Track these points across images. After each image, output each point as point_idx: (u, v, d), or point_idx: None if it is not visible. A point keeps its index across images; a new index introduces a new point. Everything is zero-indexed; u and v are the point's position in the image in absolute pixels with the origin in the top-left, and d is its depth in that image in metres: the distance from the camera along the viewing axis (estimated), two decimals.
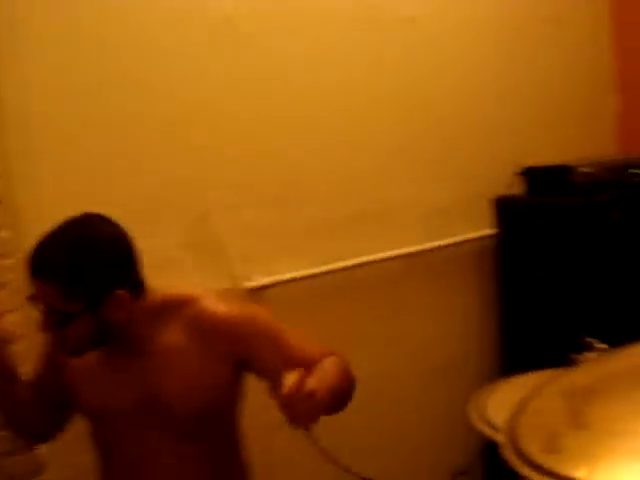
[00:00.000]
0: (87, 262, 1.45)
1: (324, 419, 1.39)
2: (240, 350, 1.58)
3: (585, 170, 2.44)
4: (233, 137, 2.27)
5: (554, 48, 2.90)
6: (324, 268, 2.43)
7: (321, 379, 1.39)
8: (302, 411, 1.30)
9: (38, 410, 1.70)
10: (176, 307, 1.59)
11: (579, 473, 0.84)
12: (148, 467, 1.58)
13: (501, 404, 1.64)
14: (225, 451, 1.67)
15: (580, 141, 2.91)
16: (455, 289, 2.75)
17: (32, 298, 1.47)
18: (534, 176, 2.61)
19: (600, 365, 1.34)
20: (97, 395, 1.60)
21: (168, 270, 2.01)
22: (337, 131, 2.46)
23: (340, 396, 1.51)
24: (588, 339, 1.51)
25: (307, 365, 1.50)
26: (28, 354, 1.83)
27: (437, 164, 2.66)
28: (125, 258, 1.52)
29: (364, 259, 2.50)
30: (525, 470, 0.92)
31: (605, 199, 2.41)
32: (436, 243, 2.64)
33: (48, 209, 1.98)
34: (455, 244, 2.67)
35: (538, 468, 0.90)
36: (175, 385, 1.56)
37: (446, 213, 2.67)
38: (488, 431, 1.48)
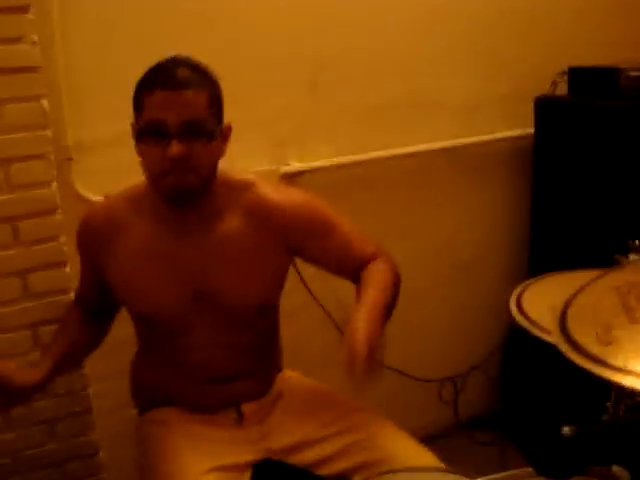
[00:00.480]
0: (216, 80, 1.48)
1: None
2: (295, 239, 1.58)
3: (633, 74, 2.36)
4: (266, 15, 2.20)
5: None
6: (358, 157, 2.41)
7: (376, 320, 1.40)
8: (365, 376, 1.33)
9: (92, 328, 1.73)
10: (238, 190, 1.57)
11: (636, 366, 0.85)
12: (194, 355, 1.59)
13: (542, 298, 1.66)
14: (267, 336, 1.71)
15: (629, 41, 2.81)
16: (489, 186, 2.73)
17: (157, 126, 1.40)
18: (578, 77, 2.53)
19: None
20: (147, 290, 1.56)
21: None
22: (378, 16, 2.37)
23: (390, 312, 1.54)
24: (633, 242, 1.50)
25: (360, 261, 1.62)
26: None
27: (480, 58, 2.58)
28: None
29: (399, 150, 2.48)
30: (582, 361, 0.93)
31: None
32: (473, 138, 2.61)
33: (86, 81, 1.97)
34: (493, 141, 2.64)
35: (595, 360, 0.91)
36: (231, 276, 1.55)
37: (486, 109, 2.62)
38: (526, 324, 1.50)
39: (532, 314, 1.58)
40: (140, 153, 1.47)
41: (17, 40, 1.74)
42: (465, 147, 2.60)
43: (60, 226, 1.89)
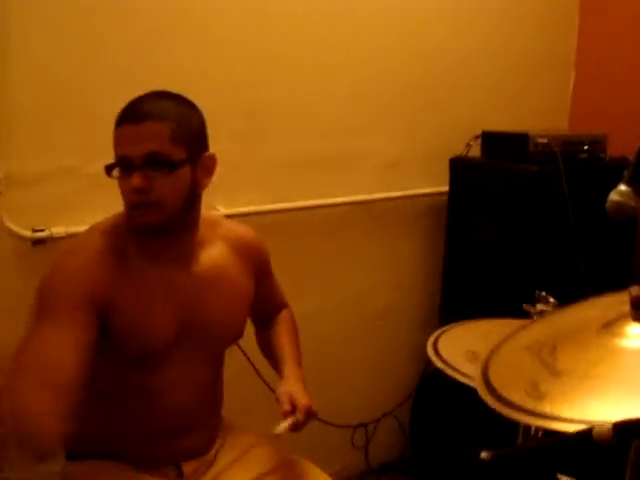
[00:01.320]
0: (193, 114, 1.50)
1: None
2: (258, 272, 1.68)
3: (541, 140, 2.56)
4: (202, 62, 2.25)
5: (520, 20, 2.99)
6: (282, 205, 2.49)
7: (300, 376, 1.64)
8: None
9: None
10: (211, 226, 1.61)
11: (573, 414, 0.93)
12: (162, 397, 1.54)
13: (457, 343, 1.77)
14: (220, 376, 1.72)
15: (536, 113, 3.03)
16: (405, 239, 2.86)
17: (122, 159, 1.40)
18: (491, 141, 2.72)
19: (553, 319, 1.45)
20: (150, 323, 1.49)
21: None
22: (311, 73, 2.49)
23: None
24: (540, 292, 1.63)
25: (278, 307, 1.82)
26: None
27: (399, 119, 2.73)
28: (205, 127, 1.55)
29: (319, 202, 2.58)
30: (518, 416, 1.00)
31: (555, 169, 2.53)
32: (390, 194, 2.74)
33: (18, 112, 1.98)
34: (408, 197, 2.78)
35: (532, 413, 0.98)
36: (221, 305, 1.58)
37: (403, 166, 2.76)
38: (442, 366, 1.60)
39: (447, 357, 1.67)
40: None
41: None
42: (383, 201, 2.73)
43: None
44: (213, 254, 1.58)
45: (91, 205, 2.05)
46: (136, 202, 1.42)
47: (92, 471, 1.56)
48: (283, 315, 1.83)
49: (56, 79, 2.01)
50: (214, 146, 2.28)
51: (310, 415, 1.54)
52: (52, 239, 2.02)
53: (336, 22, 2.51)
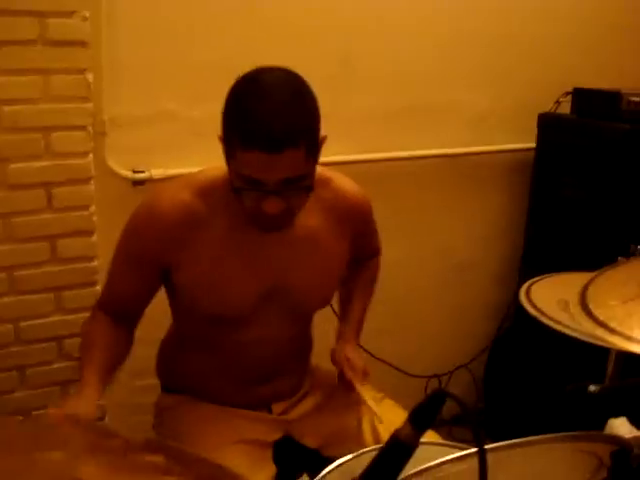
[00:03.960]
0: (315, 113, 1.37)
1: None
2: (357, 231, 1.63)
3: (634, 99, 2.51)
4: (297, 15, 2.28)
5: None
6: (370, 156, 2.51)
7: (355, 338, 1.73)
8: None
9: (125, 336, 1.56)
10: (316, 187, 1.46)
11: None
12: (246, 352, 1.57)
13: (549, 292, 1.79)
14: (309, 330, 1.75)
15: (631, 70, 2.96)
16: (488, 194, 2.86)
17: (253, 182, 1.31)
18: (582, 98, 2.67)
19: None
20: (225, 288, 1.49)
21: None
22: (403, 27, 2.48)
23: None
24: (637, 247, 1.63)
25: (370, 255, 1.82)
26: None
27: (490, 74, 2.71)
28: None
29: (409, 153, 2.60)
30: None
31: None
32: (476, 148, 2.73)
33: (125, 59, 2.05)
34: (495, 152, 2.76)
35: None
36: (311, 275, 1.55)
37: (491, 121, 2.74)
38: (535, 313, 1.63)
39: (540, 305, 1.69)
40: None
41: (69, 14, 1.83)
42: (471, 155, 2.73)
43: (92, 196, 1.98)
44: (308, 220, 1.51)
45: (189, 149, 2.13)
46: (269, 217, 1.37)
47: (186, 405, 1.64)
48: (369, 265, 1.83)
49: (159, 26, 2.07)
50: None
51: (365, 376, 1.63)
52: (151, 180, 2.10)
53: None
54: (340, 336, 1.74)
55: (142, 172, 2.10)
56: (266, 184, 1.31)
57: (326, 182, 1.55)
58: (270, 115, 1.28)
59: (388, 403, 1.70)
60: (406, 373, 2.80)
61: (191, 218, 1.44)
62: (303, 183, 1.34)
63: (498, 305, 2.95)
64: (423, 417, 0.83)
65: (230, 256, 1.47)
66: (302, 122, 1.31)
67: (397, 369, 2.76)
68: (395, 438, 0.84)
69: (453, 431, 2.54)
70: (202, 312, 1.52)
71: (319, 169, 1.48)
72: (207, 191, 1.46)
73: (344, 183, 1.59)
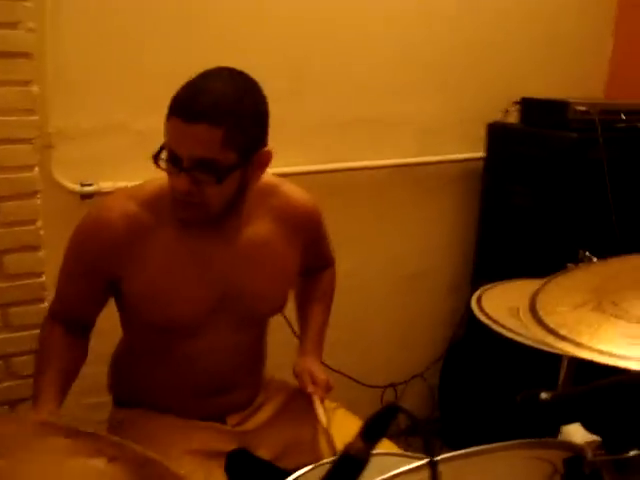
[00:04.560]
0: (252, 109, 1.36)
1: None
2: (308, 238, 1.63)
3: (580, 108, 2.56)
4: (252, 21, 2.27)
5: None
6: (321, 167, 2.52)
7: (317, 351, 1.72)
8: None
9: (80, 343, 1.57)
10: (264, 194, 1.52)
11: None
12: (198, 362, 1.55)
13: (499, 300, 1.81)
14: (263, 339, 1.72)
15: (572, 80, 3.02)
16: (440, 203, 2.88)
17: (170, 153, 1.33)
18: (530, 107, 2.72)
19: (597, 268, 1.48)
20: (173, 297, 1.47)
21: None
22: (358, 37, 2.50)
23: None
24: (584, 252, 1.65)
25: (323, 265, 1.81)
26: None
27: (440, 85, 2.73)
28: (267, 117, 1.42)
29: (359, 164, 2.61)
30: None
31: (593, 137, 2.53)
32: (427, 158, 2.75)
33: (71, 70, 2.01)
34: (445, 161, 2.79)
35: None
36: (262, 281, 1.54)
37: (441, 131, 2.76)
38: (487, 321, 1.65)
39: (491, 313, 1.71)
40: None
41: (14, 25, 1.80)
42: (421, 165, 2.74)
43: (38, 210, 1.93)
44: (258, 229, 1.52)
45: (138, 161, 2.04)
46: (179, 200, 1.38)
47: (139, 417, 1.61)
48: (324, 276, 1.83)
49: (107, 36, 2.04)
50: None
51: (328, 389, 1.63)
52: (100, 193, 2.06)
53: None
54: (301, 350, 1.73)
55: (90, 185, 2.07)
56: (180, 159, 1.32)
57: (274, 189, 1.56)
58: (200, 89, 1.32)
59: (342, 412, 1.71)
60: (362, 383, 2.79)
61: (137, 228, 1.44)
62: (215, 167, 1.32)
63: (452, 314, 2.97)
64: (374, 431, 0.82)
65: (178, 265, 1.47)
66: (230, 106, 1.31)
67: (353, 379, 2.75)
68: (346, 452, 0.83)
69: (409, 440, 2.53)
70: (151, 323, 1.51)
71: (268, 177, 1.51)
72: (152, 201, 1.46)
73: (293, 191, 1.60)
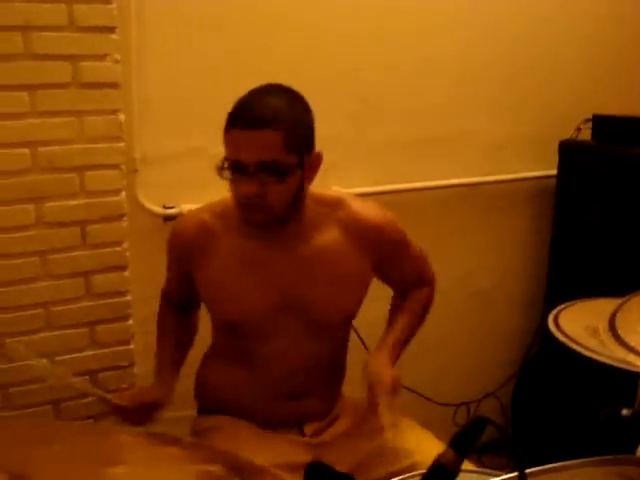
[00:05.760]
0: (303, 115, 1.51)
1: None
2: (381, 254, 1.67)
3: None
4: (317, 50, 2.34)
5: (633, 1, 2.94)
6: (392, 187, 2.55)
7: (395, 358, 1.68)
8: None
9: (188, 320, 1.87)
10: (330, 207, 1.63)
11: None
12: (273, 366, 1.65)
13: (574, 320, 1.81)
14: (341, 351, 1.78)
15: None
16: (511, 221, 2.89)
17: (234, 163, 1.46)
18: (602, 124, 2.70)
19: None
20: (236, 297, 1.63)
21: None
22: (421, 60, 2.54)
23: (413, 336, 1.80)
24: None
25: (417, 283, 1.83)
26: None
27: (511, 103, 2.75)
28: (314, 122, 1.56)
29: (430, 183, 2.64)
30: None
31: None
32: (498, 177, 2.76)
33: (154, 98, 2.11)
34: (517, 180, 2.79)
35: None
36: (324, 288, 1.61)
37: (511, 149, 2.78)
38: (564, 340, 1.65)
39: (569, 332, 1.71)
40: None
41: (102, 58, 1.90)
42: (492, 184, 2.76)
43: (125, 232, 2.03)
44: (324, 237, 1.61)
45: (218, 183, 2.16)
46: (246, 203, 1.51)
47: (223, 426, 1.70)
48: (415, 293, 1.84)
49: (187, 67, 2.14)
50: (332, 129, 2.39)
51: (395, 392, 1.58)
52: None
53: (445, 9, 2.54)
54: (376, 348, 1.73)
55: (172, 207, 2.15)
56: (245, 165, 1.45)
57: (342, 203, 1.66)
58: (254, 100, 1.48)
59: (409, 424, 1.72)
60: (434, 402, 2.80)
61: (207, 233, 1.64)
62: (278, 168, 1.45)
63: (524, 332, 2.96)
64: (464, 442, 0.85)
65: (239, 267, 1.62)
66: (286, 112, 1.46)
67: (425, 397, 2.77)
68: (437, 463, 0.87)
69: (482, 459, 2.54)
70: (218, 318, 1.70)
71: (337, 192, 1.68)
72: (222, 213, 1.65)
73: (364, 206, 1.67)
